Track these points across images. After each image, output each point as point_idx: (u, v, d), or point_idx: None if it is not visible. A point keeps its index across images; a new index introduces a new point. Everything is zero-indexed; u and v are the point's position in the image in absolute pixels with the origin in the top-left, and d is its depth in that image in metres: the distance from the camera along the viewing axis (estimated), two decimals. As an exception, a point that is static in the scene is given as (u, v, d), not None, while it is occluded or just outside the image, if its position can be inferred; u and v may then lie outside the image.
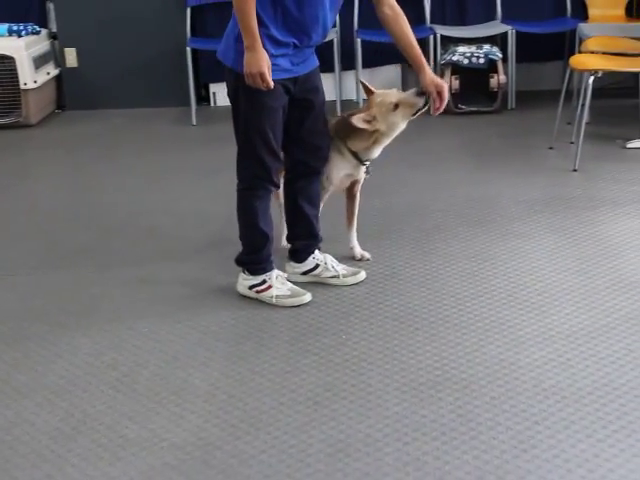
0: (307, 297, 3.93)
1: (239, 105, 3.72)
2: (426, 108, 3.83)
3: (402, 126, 3.94)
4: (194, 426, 3.05)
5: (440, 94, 3.77)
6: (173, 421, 3.08)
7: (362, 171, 4.13)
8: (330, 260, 4.13)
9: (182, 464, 2.85)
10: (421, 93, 3.82)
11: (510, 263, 4.25)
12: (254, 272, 3.96)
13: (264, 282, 3.95)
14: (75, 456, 2.91)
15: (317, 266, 4.11)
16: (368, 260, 4.30)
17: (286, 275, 4.06)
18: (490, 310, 3.79)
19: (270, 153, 3.75)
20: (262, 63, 3.48)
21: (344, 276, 4.09)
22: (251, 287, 3.97)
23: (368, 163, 4.08)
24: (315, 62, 3.86)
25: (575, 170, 5.54)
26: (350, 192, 4.25)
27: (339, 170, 4.07)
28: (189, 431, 3.02)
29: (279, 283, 3.95)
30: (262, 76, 3.50)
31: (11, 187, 5.82)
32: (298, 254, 4.11)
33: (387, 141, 4.00)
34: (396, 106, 3.86)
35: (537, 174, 5.54)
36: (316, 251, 4.13)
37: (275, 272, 3.98)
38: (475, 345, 3.51)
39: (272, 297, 3.92)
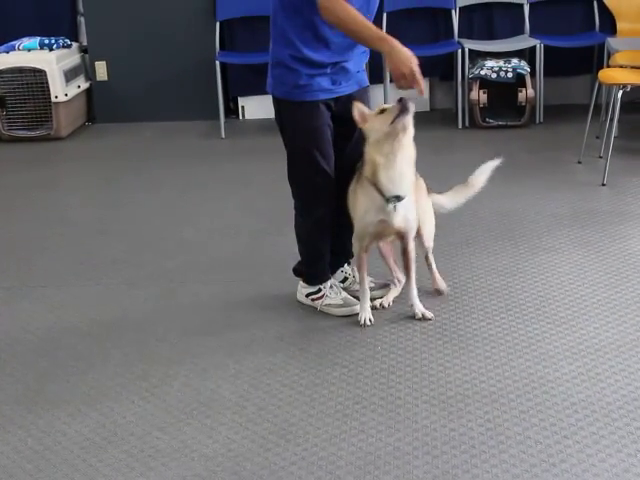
0: (358, 307, 3.93)
1: (283, 129, 3.77)
2: (405, 113, 3.51)
3: (388, 133, 3.55)
4: (224, 437, 3.07)
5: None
6: (203, 432, 3.11)
7: (392, 213, 3.69)
8: (358, 273, 4.15)
9: (212, 475, 2.86)
10: (400, 100, 3.53)
11: (538, 277, 4.25)
12: (310, 282, 4.01)
13: (319, 291, 4.00)
14: (106, 466, 2.94)
15: (346, 279, 4.13)
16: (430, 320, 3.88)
17: (342, 285, 4.10)
18: (519, 324, 3.79)
19: (318, 173, 3.74)
20: (409, 60, 3.41)
21: (372, 289, 4.10)
22: (307, 295, 4.02)
23: (395, 202, 3.67)
24: (363, 81, 3.85)
25: (604, 184, 5.52)
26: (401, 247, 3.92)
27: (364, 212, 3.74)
28: (219, 442, 3.04)
29: (333, 293, 3.99)
30: (412, 74, 3.41)
31: (42, 199, 5.87)
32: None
33: (388, 161, 3.59)
34: (382, 111, 3.62)
35: (565, 188, 5.53)
36: (345, 264, 4.15)
37: (330, 282, 4.02)
38: (504, 359, 3.51)
39: (319, 305, 3.98)
